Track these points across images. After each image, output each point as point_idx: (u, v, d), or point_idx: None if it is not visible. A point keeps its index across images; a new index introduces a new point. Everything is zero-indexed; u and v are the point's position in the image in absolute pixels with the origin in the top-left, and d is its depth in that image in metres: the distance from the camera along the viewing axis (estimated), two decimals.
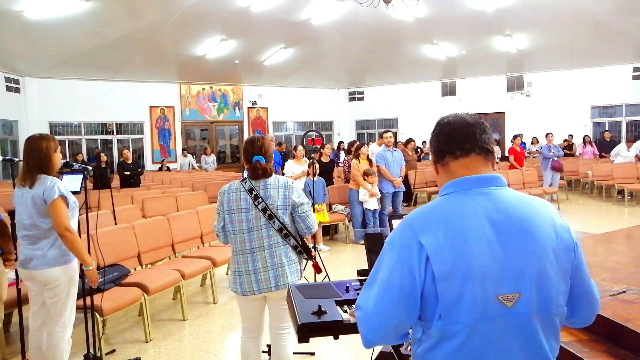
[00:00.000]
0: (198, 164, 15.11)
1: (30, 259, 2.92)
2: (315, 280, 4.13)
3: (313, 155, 6.49)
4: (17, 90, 12.94)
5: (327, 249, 7.03)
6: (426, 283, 1.13)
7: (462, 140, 1.27)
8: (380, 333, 1.21)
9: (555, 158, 10.42)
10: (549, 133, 10.97)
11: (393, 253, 1.18)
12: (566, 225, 1.24)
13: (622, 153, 10.80)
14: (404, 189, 8.10)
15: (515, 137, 10.80)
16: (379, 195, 7.31)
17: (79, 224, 3.17)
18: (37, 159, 2.93)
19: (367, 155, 7.56)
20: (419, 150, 13.02)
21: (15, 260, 3.18)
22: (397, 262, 1.16)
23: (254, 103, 16.91)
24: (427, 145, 14.72)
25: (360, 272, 1.98)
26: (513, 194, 1.24)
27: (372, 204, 7.26)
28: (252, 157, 2.71)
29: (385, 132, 7.88)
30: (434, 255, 1.12)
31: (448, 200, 1.23)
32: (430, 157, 1.42)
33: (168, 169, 14.03)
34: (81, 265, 3.04)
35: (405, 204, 9.25)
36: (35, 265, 2.92)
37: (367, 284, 1.25)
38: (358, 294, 1.76)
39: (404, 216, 1.37)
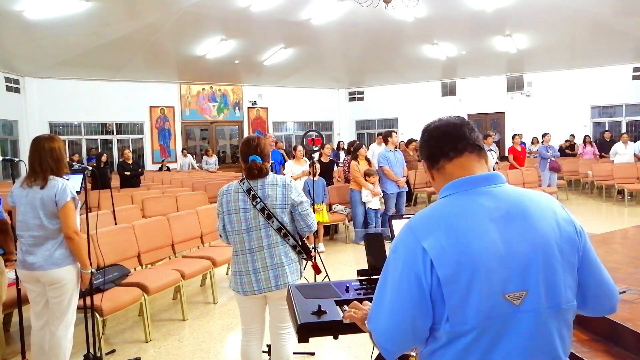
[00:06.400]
0: (199, 165, 15.11)
1: (34, 261, 2.90)
2: (315, 280, 4.13)
3: (313, 155, 6.48)
4: (17, 90, 12.94)
5: (323, 249, 7.00)
6: (432, 287, 1.13)
7: (453, 141, 1.27)
8: (399, 342, 1.20)
9: (553, 158, 10.42)
10: (546, 133, 10.94)
11: (398, 262, 1.18)
12: (568, 216, 1.23)
13: (620, 151, 10.80)
14: (407, 189, 8.10)
15: (514, 136, 10.80)
16: (381, 194, 7.31)
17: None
18: (50, 159, 2.92)
19: (365, 156, 7.55)
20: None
21: (15, 260, 3.17)
22: (403, 269, 1.16)
23: (254, 103, 16.91)
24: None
25: (360, 272, 1.99)
26: (513, 189, 1.24)
27: (375, 204, 7.26)
28: (248, 157, 2.71)
29: (392, 132, 7.84)
30: (438, 260, 1.12)
31: (448, 202, 1.22)
32: (423, 165, 1.38)
33: (168, 169, 14.03)
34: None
35: (406, 204, 9.24)
36: (42, 266, 2.90)
37: (377, 296, 1.24)
38: (358, 294, 1.78)
39: (404, 217, 1.37)
